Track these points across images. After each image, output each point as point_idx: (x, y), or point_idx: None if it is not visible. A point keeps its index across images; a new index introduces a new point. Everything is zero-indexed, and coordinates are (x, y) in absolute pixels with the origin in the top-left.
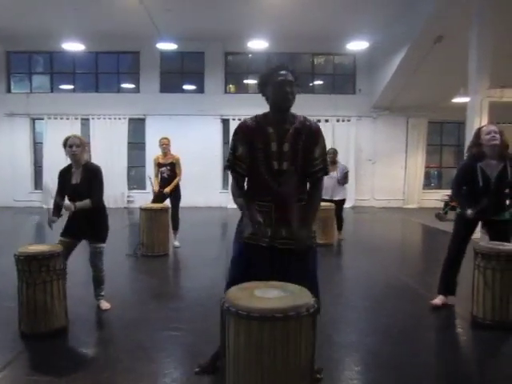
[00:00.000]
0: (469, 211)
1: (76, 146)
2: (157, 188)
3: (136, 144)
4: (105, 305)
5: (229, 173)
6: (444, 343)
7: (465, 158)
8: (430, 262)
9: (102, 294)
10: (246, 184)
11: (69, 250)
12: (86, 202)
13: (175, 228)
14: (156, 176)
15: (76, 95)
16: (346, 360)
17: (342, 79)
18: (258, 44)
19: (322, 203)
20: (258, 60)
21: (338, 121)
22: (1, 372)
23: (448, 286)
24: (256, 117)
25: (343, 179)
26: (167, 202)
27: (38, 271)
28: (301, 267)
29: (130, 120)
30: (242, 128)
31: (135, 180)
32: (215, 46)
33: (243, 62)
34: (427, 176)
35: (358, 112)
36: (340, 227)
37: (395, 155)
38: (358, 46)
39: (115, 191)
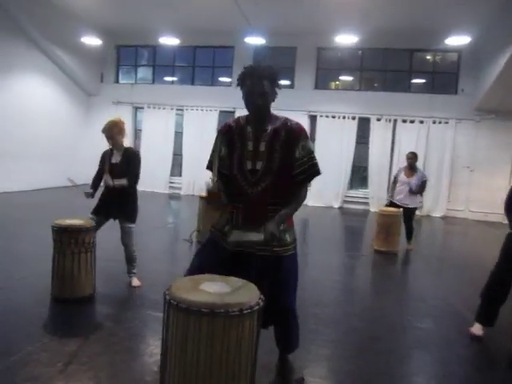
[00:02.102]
0: None
1: (110, 138)
2: None
3: None
4: (136, 282)
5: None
6: None
7: None
8: None
9: (134, 271)
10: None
11: (98, 225)
12: (123, 181)
13: None
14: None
15: (173, 87)
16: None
17: (443, 78)
18: (347, 39)
19: (387, 208)
20: (349, 55)
21: (434, 123)
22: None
23: (487, 315)
24: (239, 117)
25: (420, 188)
26: None
27: (67, 242)
28: (273, 272)
29: (221, 112)
30: (225, 128)
31: None
32: (308, 40)
33: (334, 58)
34: None
35: (458, 114)
36: (410, 237)
37: (498, 164)
38: (459, 41)
39: (203, 178)
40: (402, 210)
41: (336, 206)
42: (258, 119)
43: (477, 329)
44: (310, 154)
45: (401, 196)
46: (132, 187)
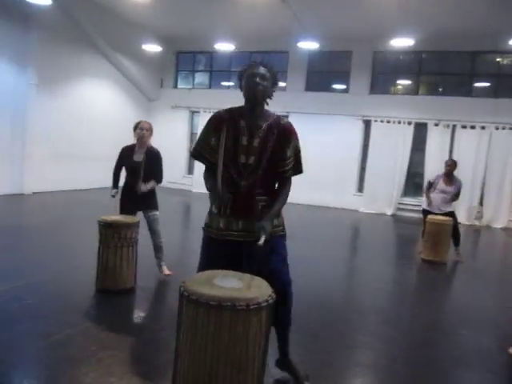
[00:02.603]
0: None
1: (146, 130)
2: None
3: None
4: (166, 271)
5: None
6: None
7: None
8: None
9: (163, 260)
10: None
11: None
12: (153, 183)
13: None
14: None
15: (229, 91)
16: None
17: (508, 81)
18: (403, 42)
19: (434, 217)
20: (407, 59)
21: (497, 128)
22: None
23: None
24: (231, 109)
25: (456, 196)
26: None
27: (111, 237)
28: (262, 254)
29: None
30: (216, 119)
31: None
32: (364, 44)
33: (391, 62)
34: None
35: None
36: (457, 242)
37: None
38: None
39: None
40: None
41: (389, 213)
42: (249, 112)
43: None
44: (298, 154)
45: (437, 203)
46: (161, 182)
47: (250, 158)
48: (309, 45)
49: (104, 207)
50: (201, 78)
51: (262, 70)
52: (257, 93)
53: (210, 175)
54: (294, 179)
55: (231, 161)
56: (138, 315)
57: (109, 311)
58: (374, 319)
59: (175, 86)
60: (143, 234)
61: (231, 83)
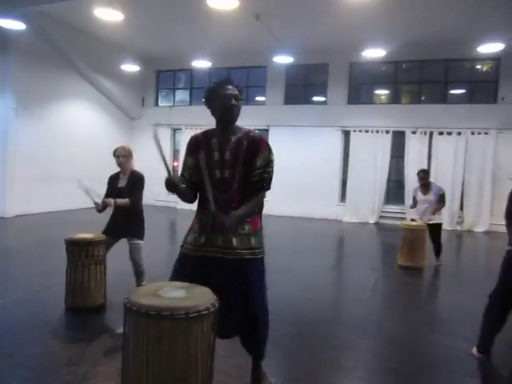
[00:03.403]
0: None
1: (122, 157)
2: None
3: None
4: None
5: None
6: None
7: None
8: None
9: (143, 284)
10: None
11: (108, 245)
12: (126, 200)
13: None
14: None
15: None
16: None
17: (481, 87)
18: (375, 53)
19: (411, 223)
20: (382, 69)
21: (472, 133)
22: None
23: (484, 342)
24: (205, 131)
25: (440, 203)
26: None
27: (78, 255)
28: (237, 276)
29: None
30: (192, 141)
31: None
32: (339, 56)
33: (367, 72)
34: None
35: (499, 124)
36: (438, 253)
37: None
38: (492, 48)
39: None
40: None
41: (372, 221)
42: (221, 129)
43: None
44: (270, 164)
45: (421, 214)
46: (135, 206)
47: (225, 172)
48: (284, 59)
49: (87, 226)
50: (181, 95)
51: (233, 89)
52: (234, 114)
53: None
54: (278, 191)
55: (209, 177)
56: (107, 332)
57: (76, 329)
58: (349, 326)
59: (156, 104)
60: (120, 249)
61: None
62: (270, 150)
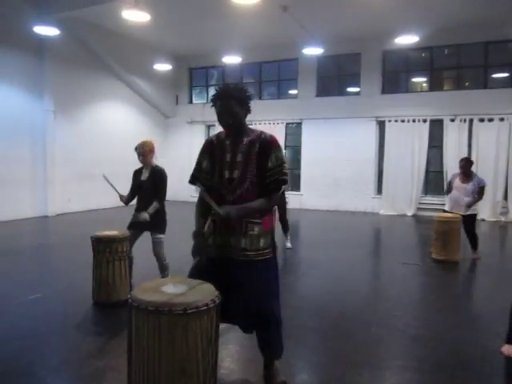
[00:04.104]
0: None
1: (141, 154)
2: None
3: (294, 147)
4: None
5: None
6: None
7: None
8: None
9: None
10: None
11: (133, 239)
12: (155, 205)
13: (285, 230)
14: None
15: None
16: None
17: None
18: (408, 39)
19: (445, 214)
20: (418, 56)
21: None
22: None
23: None
24: (220, 133)
25: (478, 194)
26: None
27: (103, 251)
28: (248, 276)
29: (287, 124)
30: (207, 143)
31: (291, 181)
32: (372, 45)
33: (402, 60)
34: None
35: None
36: (475, 246)
37: None
38: None
39: None
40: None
41: (409, 213)
42: (233, 134)
43: (506, 348)
44: (282, 165)
45: (456, 203)
46: (162, 203)
47: (234, 173)
48: (314, 51)
49: (120, 224)
50: (214, 91)
51: (227, 105)
52: (230, 128)
53: (200, 202)
54: (312, 185)
55: (218, 178)
56: None
57: (100, 323)
58: (373, 321)
59: (190, 102)
60: (145, 245)
61: None
62: (281, 151)
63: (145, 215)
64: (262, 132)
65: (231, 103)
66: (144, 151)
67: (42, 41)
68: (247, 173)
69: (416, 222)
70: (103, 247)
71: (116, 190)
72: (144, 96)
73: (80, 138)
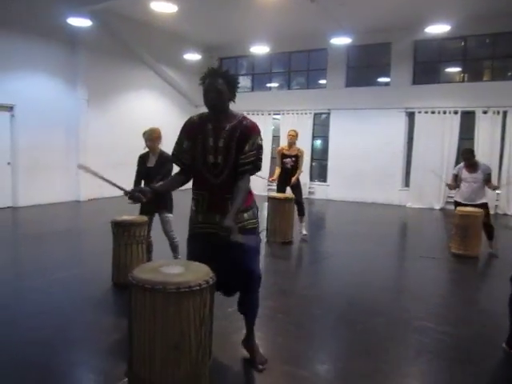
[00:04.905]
0: None
1: (149, 140)
2: (274, 178)
3: (321, 137)
4: None
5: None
6: None
7: None
8: None
9: (179, 257)
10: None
11: (149, 224)
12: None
13: (301, 214)
14: (279, 166)
15: (271, 93)
16: None
17: None
18: (439, 28)
19: (462, 208)
20: (450, 46)
21: None
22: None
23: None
24: (202, 114)
25: (487, 181)
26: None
27: (122, 235)
28: (236, 251)
29: (316, 114)
30: (188, 124)
31: (318, 172)
32: (402, 34)
33: (434, 50)
34: None
35: None
36: (490, 236)
37: None
38: None
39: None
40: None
41: (437, 207)
42: (215, 116)
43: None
44: (258, 149)
45: (467, 195)
46: None
47: (218, 158)
48: (343, 40)
49: None
50: (243, 81)
51: (215, 83)
52: (213, 107)
53: (173, 178)
54: (339, 176)
55: (202, 162)
56: None
57: (117, 303)
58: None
59: None
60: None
61: (273, 84)
62: (259, 136)
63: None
64: (244, 118)
65: (218, 81)
66: (152, 137)
67: (76, 32)
68: (229, 158)
69: (443, 216)
70: (122, 231)
71: (121, 188)
72: (174, 85)
73: (112, 127)
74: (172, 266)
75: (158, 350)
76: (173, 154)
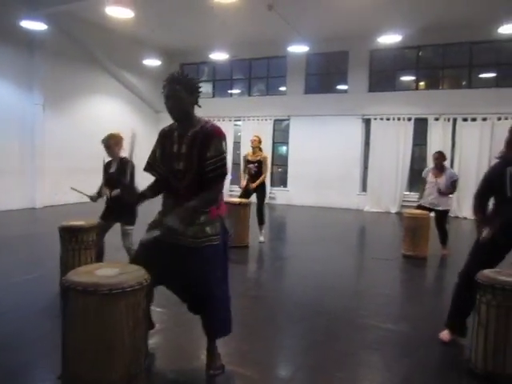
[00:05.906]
0: (484, 232)
1: (106, 147)
2: (244, 184)
3: (283, 143)
4: None
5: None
6: None
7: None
8: None
9: None
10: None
11: (104, 229)
12: (118, 191)
13: (261, 223)
14: (244, 172)
15: (232, 99)
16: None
17: (509, 70)
18: (391, 38)
19: (413, 211)
20: (404, 55)
21: (499, 119)
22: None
23: (455, 322)
24: (172, 124)
25: (449, 188)
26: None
27: (69, 240)
28: (194, 262)
29: (276, 120)
30: (160, 133)
31: (279, 177)
32: (359, 43)
33: (388, 59)
34: None
35: None
36: (444, 241)
37: None
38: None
39: None
40: (432, 212)
41: (393, 210)
42: (177, 122)
43: (446, 334)
44: (221, 155)
45: (430, 198)
46: None
47: (180, 164)
48: (300, 48)
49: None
50: (204, 87)
51: (172, 90)
52: (172, 113)
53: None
54: (299, 181)
55: (169, 168)
56: None
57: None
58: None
59: None
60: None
61: (234, 91)
62: (222, 141)
63: (106, 192)
64: (206, 122)
65: (176, 87)
66: (109, 144)
67: (32, 35)
68: (192, 164)
69: (399, 219)
70: (69, 236)
71: (86, 195)
72: (134, 91)
73: (69, 132)
74: (108, 268)
75: (91, 351)
76: (148, 162)
